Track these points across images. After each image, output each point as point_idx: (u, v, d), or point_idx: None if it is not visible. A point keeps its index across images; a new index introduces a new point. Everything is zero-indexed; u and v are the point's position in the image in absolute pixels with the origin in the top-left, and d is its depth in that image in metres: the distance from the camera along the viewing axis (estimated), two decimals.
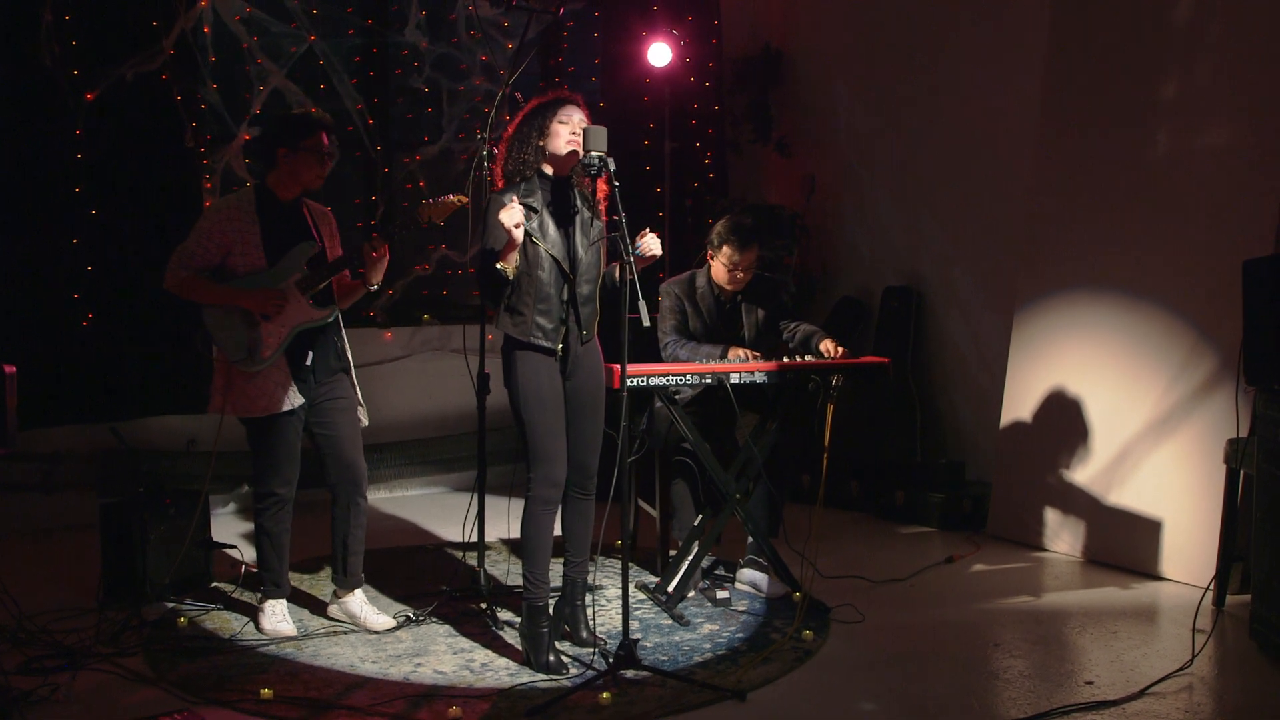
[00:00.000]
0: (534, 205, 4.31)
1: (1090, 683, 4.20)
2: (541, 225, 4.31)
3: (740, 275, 5.34)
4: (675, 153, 7.86)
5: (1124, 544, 5.61)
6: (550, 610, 4.46)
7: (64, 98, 6.20)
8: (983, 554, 5.93)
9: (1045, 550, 5.97)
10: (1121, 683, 4.19)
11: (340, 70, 7.12)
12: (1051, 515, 5.96)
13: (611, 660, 4.19)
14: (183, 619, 4.84)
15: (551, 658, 4.32)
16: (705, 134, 8.14)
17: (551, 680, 4.21)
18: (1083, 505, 5.82)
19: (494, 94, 7.47)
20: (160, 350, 6.35)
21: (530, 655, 4.37)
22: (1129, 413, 5.65)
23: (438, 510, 6.94)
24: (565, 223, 4.37)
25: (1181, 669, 4.30)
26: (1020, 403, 6.21)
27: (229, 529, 6.33)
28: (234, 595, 5.16)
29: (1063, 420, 5.95)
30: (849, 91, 7.79)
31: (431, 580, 5.33)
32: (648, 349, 5.48)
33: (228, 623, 4.83)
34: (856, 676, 4.31)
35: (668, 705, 3.99)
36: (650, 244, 4.37)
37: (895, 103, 7.44)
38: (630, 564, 5.63)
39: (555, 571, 4.69)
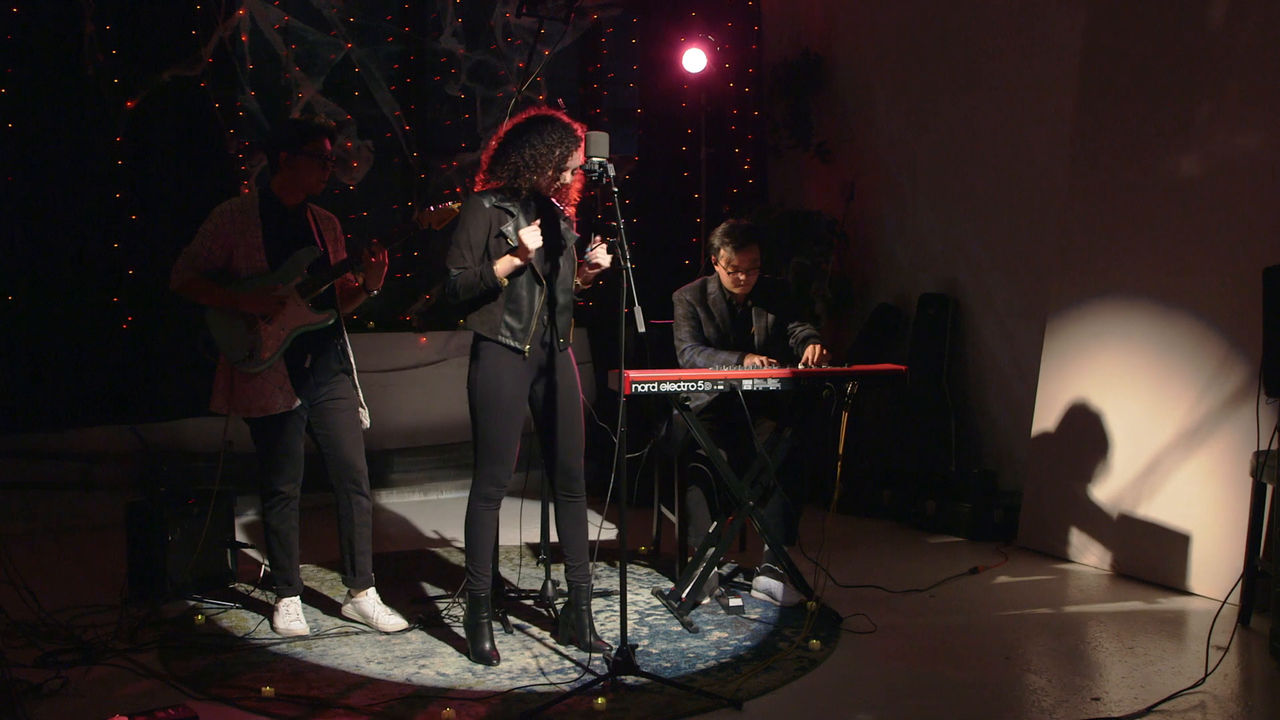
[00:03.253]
0: (512, 210, 4.38)
1: (1098, 699, 4.11)
2: (519, 230, 4.35)
3: (742, 277, 5.31)
4: (713, 158, 7.86)
5: (1152, 557, 5.50)
6: (488, 601, 4.55)
7: (105, 105, 6.36)
8: (1009, 565, 5.84)
9: (1073, 562, 5.87)
10: (1130, 699, 4.10)
11: (378, 77, 7.21)
12: (1080, 527, 5.86)
13: (610, 666, 4.19)
14: (200, 616, 4.93)
15: (487, 645, 4.44)
16: (745, 139, 8.12)
17: (549, 685, 4.22)
18: (1111, 517, 5.71)
19: (532, 99, 7.54)
20: (198, 352, 6.48)
21: (470, 645, 4.48)
22: (1159, 424, 5.53)
23: None
24: (545, 232, 4.41)
25: (1194, 686, 4.19)
26: (1051, 413, 6.11)
27: (260, 530, 6.42)
28: (252, 595, 5.24)
29: (1093, 431, 5.84)
30: (889, 97, 7.73)
31: (452, 583, 5.38)
32: (666, 356, 5.49)
33: (243, 621, 4.91)
34: (857, 687, 4.26)
35: (662, 712, 3.98)
36: (598, 254, 4.40)
37: (934, 109, 7.36)
38: (651, 570, 5.72)
39: (547, 575, 4.73)
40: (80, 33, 6.26)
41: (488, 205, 4.38)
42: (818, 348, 5.14)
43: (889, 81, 7.71)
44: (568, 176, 4.42)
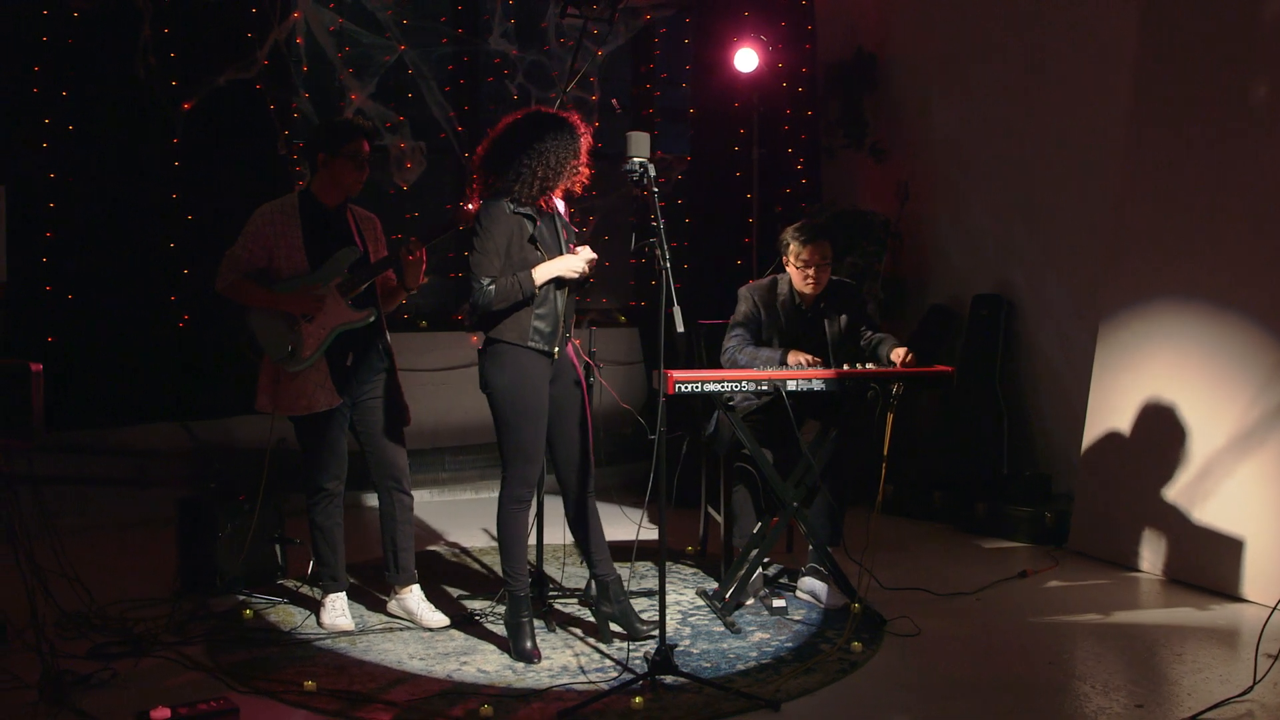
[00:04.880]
0: (532, 214, 4.43)
1: (1140, 706, 4.05)
2: (540, 234, 4.39)
3: (812, 272, 5.22)
4: (765, 158, 7.84)
5: (1204, 562, 5.41)
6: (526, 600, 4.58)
7: (162, 108, 6.46)
8: (1060, 570, 5.77)
9: (1125, 567, 5.77)
10: (1174, 707, 4.03)
11: (430, 79, 7.26)
12: (1133, 531, 5.77)
13: (649, 665, 4.20)
14: (248, 611, 4.99)
15: (529, 644, 4.46)
16: (798, 139, 8.09)
17: (589, 683, 4.23)
18: (1164, 521, 5.62)
19: (585, 100, 7.57)
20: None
21: (511, 643, 4.52)
22: (1213, 427, 5.44)
23: None
24: (557, 233, 4.53)
25: (1241, 695, 4.11)
26: (1104, 415, 6.02)
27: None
28: (301, 590, 5.31)
29: (1146, 434, 5.75)
30: (943, 97, 7.66)
31: (499, 581, 5.40)
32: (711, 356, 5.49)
33: (290, 616, 4.98)
34: (896, 690, 4.23)
35: (699, 712, 3.98)
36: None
37: (988, 109, 7.29)
38: (697, 570, 5.71)
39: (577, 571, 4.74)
40: (138, 36, 6.36)
41: (509, 211, 4.41)
42: (904, 350, 5.07)
43: (943, 81, 7.64)
44: (581, 186, 4.53)
